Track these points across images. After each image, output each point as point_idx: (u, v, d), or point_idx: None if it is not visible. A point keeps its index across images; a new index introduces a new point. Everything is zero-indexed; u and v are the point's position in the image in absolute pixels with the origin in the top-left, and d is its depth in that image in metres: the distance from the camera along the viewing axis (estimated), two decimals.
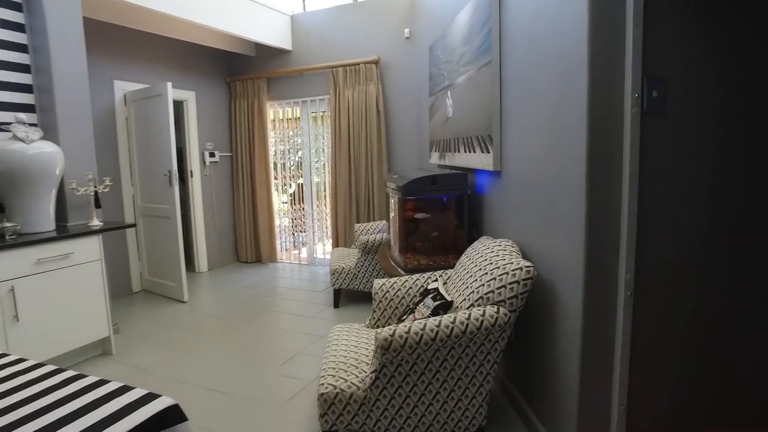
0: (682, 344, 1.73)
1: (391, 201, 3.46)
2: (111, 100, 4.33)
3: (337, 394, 1.81)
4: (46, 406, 1.34)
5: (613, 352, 1.70)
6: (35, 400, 1.38)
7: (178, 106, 5.10)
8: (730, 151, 1.66)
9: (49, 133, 3.03)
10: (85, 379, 1.50)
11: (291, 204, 5.91)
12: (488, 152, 2.53)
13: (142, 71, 4.63)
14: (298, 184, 5.77)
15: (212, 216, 5.51)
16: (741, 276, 1.71)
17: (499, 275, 1.89)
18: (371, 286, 3.23)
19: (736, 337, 1.75)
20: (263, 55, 5.50)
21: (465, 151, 2.96)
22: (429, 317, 1.92)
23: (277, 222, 5.75)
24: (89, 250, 2.96)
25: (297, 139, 5.67)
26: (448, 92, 3.33)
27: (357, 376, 1.90)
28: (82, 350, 3.01)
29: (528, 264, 1.87)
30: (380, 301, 2.54)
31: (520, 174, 2.23)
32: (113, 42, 4.30)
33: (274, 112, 5.65)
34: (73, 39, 3.11)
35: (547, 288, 1.95)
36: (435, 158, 3.87)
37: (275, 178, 5.74)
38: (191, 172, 5.22)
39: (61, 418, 1.27)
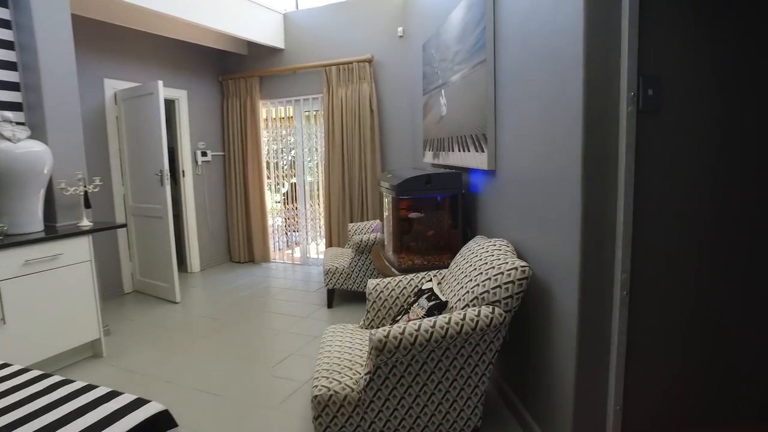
0: (678, 344, 1.72)
1: (385, 200, 3.44)
2: (101, 99, 4.28)
3: (331, 396, 1.78)
4: (29, 414, 1.30)
5: (609, 352, 1.69)
6: (18, 407, 1.34)
7: (170, 105, 5.05)
8: (728, 150, 1.65)
9: (37, 132, 2.97)
10: (71, 384, 1.47)
11: (284, 203, 5.87)
12: (483, 151, 2.52)
13: (133, 69, 4.57)
14: (291, 184, 5.73)
15: (204, 216, 5.46)
16: (738, 275, 1.71)
17: (494, 275, 1.88)
18: (365, 286, 3.21)
19: (733, 338, 1.74)
20: (256, 54, 5.46)
21: (459, 150, 2.94)
22: (424, 318, 1.90)
23: (270, 222, 5.71)
24: (79, 250, 2.92)
25: (290, 138, 5.63)
26: (442, 91, 3.32)
27: (351, 378, 1.88)
28: (72, 353, 2.96)
29: (523, 264, 1.86)
30: (374, 302, 2.52)
31: (514, 173, 2.22)
32: (103, 40, 4.24)
33: (266, 111, 5.60)
34: (62, 36, 3.05)
35: (543, 288, 1.94)
36: (429, 157, 3.85)
37: (268, 178, 5.70)
38: (183, 171, 5.18)
39: (45, 426, 1.24)
